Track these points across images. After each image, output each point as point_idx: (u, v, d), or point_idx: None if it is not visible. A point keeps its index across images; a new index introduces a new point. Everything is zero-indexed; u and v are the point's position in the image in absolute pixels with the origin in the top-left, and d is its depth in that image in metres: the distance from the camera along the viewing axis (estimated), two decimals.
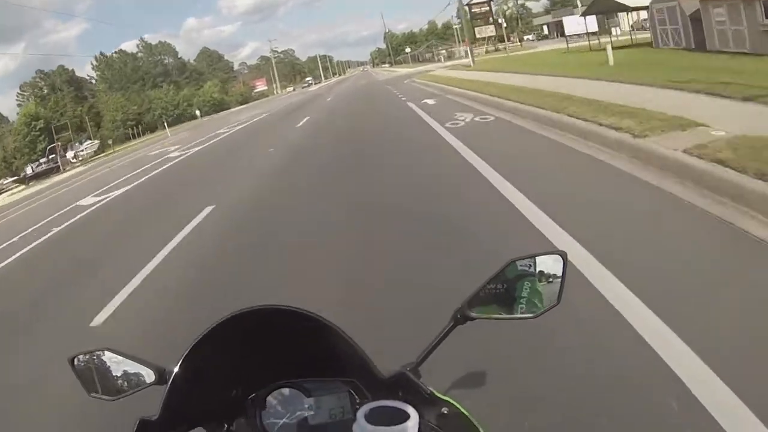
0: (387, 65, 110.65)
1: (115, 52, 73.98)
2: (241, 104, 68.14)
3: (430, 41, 72.28)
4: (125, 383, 0.92)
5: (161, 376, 0.88)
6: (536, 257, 0.88)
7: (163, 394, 0.80)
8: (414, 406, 0.77)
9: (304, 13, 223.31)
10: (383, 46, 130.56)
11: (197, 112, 54.79)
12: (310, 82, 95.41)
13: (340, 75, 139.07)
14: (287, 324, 0.83)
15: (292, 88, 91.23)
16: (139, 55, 75.90)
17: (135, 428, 0.78)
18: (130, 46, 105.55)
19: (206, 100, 65.10)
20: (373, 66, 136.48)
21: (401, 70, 50.50)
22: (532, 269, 0.87)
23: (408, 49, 44.91)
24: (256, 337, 0.85)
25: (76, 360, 0.95)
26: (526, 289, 0.87)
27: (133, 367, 0.92)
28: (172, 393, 0.80)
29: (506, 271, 0.88)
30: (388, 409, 0.77)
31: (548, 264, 0.88)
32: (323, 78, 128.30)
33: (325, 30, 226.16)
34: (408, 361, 0.88)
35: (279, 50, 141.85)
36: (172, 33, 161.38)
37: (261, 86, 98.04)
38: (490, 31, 45.91)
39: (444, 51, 53.24)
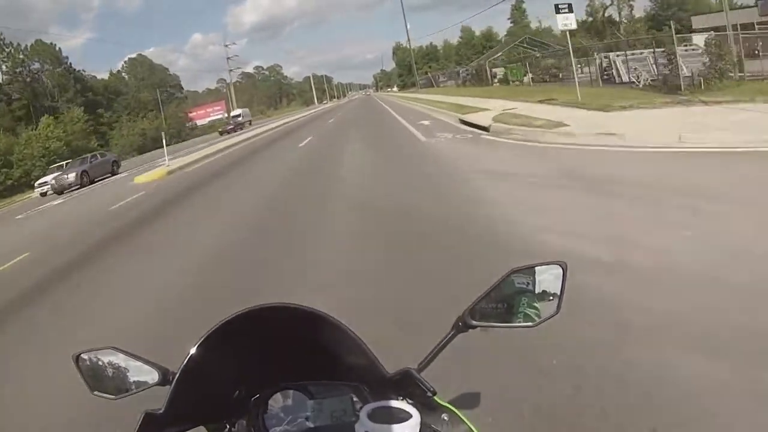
0: (395, 89, 78.04)
1: None
2: (139, 153, 35.92)
3: (508, 45, 39.85)
4: (129, 382, 0.91)
5: (165, 377, 0.88)
6: (536, 267, 0.87)
7: (167, 393, 0.80)
8: (416, 408, 0.78)
9: (309, 34, 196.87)
10: (387, 68, 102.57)
11: None
12: (237, 118, 49.89)
13: (338, 99, 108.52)
14: (293, 322, 0.83)
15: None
16: None
17: (140, 421, 0.77)
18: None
19: (33, 155, 31.78)
20: (377, 90, 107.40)
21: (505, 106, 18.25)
22: (531, 287, 0.87)
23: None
24: (261, 336, 0.85)
25: (80, 357, 0.92)
26: (524, 304, 0.87)
27: (137, 366, 0.90)
28: (176, 392, 0.80)
29: (505, 283, 0.87)
30: (391, 409, 0.78)
31: (547, 278, 0.87)
32: (316, 102, 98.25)
33: (328, 51, 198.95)
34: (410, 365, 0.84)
35: (264, 67, 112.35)
36: (176, 48, 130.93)
37: (217, 113, 66.68)
38: None
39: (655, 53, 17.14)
